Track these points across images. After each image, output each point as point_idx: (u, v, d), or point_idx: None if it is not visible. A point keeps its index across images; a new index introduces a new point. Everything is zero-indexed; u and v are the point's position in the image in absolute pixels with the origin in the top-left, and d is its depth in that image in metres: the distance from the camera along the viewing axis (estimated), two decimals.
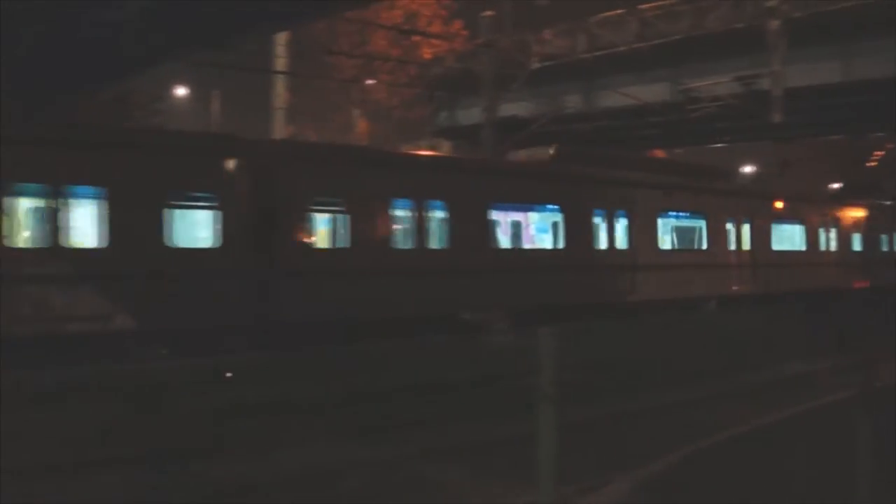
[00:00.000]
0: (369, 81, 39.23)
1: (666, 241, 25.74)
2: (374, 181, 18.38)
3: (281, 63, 33.40)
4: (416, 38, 38.29)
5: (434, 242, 19.54)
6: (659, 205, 24.82)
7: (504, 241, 21.79)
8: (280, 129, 34.40)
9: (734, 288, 26.61)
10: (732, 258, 26.97)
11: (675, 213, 25.95)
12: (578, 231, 22.37)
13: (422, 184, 19.37)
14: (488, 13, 30.45)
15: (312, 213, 17.78)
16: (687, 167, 29.34)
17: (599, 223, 23.10)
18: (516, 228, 22.37)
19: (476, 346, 17.17)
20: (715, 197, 26.75)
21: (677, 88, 30.95)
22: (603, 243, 22.99)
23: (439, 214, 19.64)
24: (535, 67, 30.29)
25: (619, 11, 32.21)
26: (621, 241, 23.43)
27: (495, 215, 21.06)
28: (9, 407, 10.30)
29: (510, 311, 19.66)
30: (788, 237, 30.39)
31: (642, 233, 23.88)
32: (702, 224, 26.30)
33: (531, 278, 20.78)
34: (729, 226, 26.98)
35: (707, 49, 29.97)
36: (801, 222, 30.80)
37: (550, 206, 22.41)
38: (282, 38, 32.45)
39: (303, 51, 35.68)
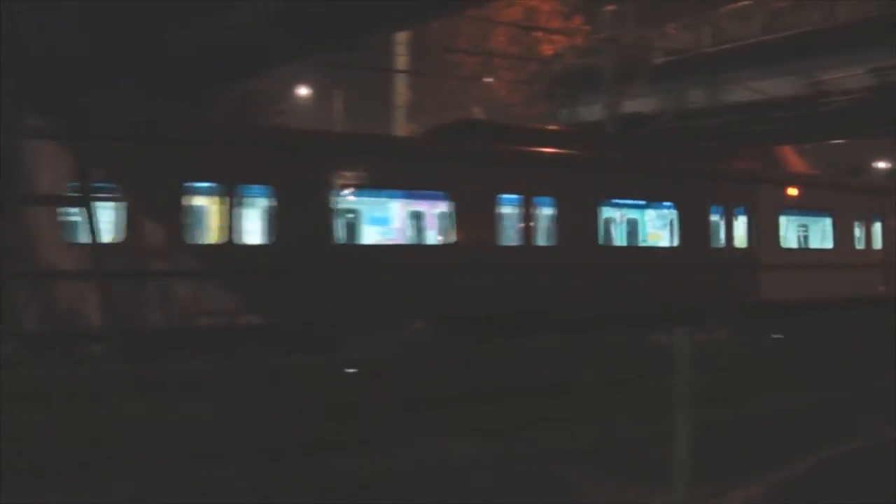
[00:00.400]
0: (488, 79, 39.18)
1: (609, 236, 21.13)
2: (161, 161, 15.05)
3: (401, 62, 33.66)
4: (537, 34, 38.13)
5: (252, 237, 16.35)
6: (604, 191, 20.23)
7: (350, 234, 18.01)
8: (401, 128, 34.66)
9: (700, 295, 21.09)
10: (715, 257, 21.96)
11: (624, 202, 21.34)
12: (470, 222, 18.20)
13: (235, 164, 15.82)
14: (610, 8, 30.09)
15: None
16: (655, 144, 24.19)
17: (509, 212, 18.94)
18: (364, 219, 18.52)
19: (605, 346, 16.85)
20: (683, 180, 21.55)
21: (806, 82, 29.98)
22: (516, 238, 19.06)
23: (261, 202, 16.45)
24: (658, 62, 29.80)
25: (745, 3, 31.43)
26: (542, 237, 19.48)
27: (342, 202, 17.22)
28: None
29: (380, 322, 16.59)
30: (804, 233, 25.45)
31: (574, 225, 19.48)
32: (672, 215, 21.48)
33: (399, 281, 17.16)
34: (714, 217, 22.04)
35: (839, 40, 28.87)
36: (828, 214, 25.15)
37: (434, 193, 18.44)
38: (402, 37, 32.70)
39: (423, 49, 35.89)
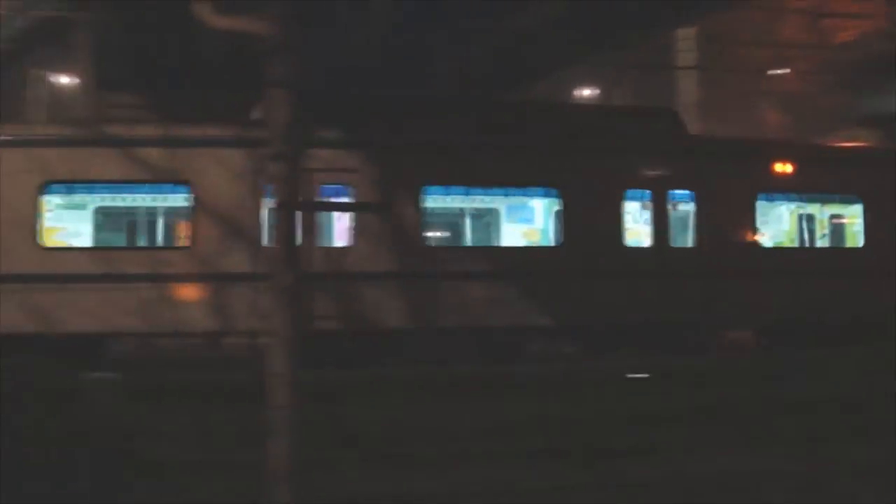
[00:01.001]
0: (775, 71, 37.51)
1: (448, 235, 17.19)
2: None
3: (688, 57, 32.99)
4: (832, 20, 36.13)
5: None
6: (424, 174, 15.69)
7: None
8: (692, 126, 33.91)
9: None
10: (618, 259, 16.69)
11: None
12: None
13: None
14: None
15: None
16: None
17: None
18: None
19: None
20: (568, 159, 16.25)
21: None
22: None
23: None
24: None
25: None
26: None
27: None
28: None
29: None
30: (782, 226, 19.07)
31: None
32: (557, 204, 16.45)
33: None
34: (633, 205, 16.94)
35: None
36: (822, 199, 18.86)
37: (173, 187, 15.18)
38: (687, 33, 32.08)
39: (710, 43, 34.99)
